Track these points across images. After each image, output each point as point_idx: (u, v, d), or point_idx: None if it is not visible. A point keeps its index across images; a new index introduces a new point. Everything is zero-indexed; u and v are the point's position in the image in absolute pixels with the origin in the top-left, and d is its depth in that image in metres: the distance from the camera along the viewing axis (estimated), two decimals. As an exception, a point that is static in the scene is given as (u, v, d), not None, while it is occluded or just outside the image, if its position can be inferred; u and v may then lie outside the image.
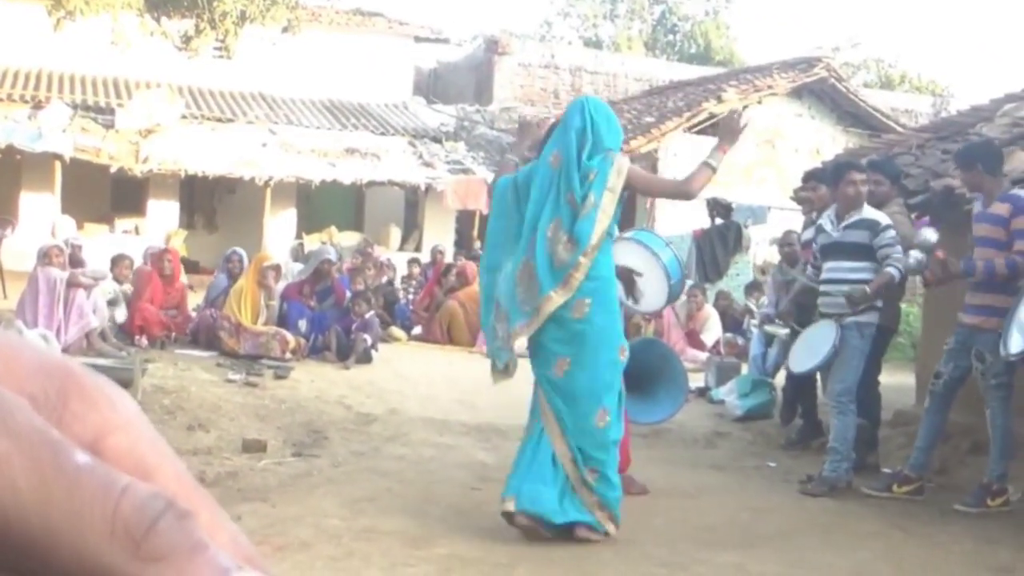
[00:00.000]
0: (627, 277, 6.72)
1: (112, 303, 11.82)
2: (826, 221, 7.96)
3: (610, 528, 5.85)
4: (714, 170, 6.10)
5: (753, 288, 15.51)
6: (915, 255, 7.36)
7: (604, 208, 5.81)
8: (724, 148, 6.25)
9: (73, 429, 0.44)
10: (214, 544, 0.42)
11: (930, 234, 7.48)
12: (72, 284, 10.81)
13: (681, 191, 6.32)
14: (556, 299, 5.74)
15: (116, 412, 0.45)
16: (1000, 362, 7.01)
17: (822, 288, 7.85)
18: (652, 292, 7.05)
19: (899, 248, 7.49)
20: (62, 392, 0.44)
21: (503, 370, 6.05)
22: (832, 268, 7.77)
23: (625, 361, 6.00)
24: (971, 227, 7.39)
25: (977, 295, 7.20)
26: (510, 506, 5.79)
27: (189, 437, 7.91)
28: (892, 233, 7.55)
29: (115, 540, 0.40)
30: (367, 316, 12.61)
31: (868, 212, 7.69)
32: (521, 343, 5.95)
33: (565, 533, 5.79)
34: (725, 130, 6.37)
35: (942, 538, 6.45)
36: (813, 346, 7.87)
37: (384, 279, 16.86)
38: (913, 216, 9.31)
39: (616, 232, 6.11)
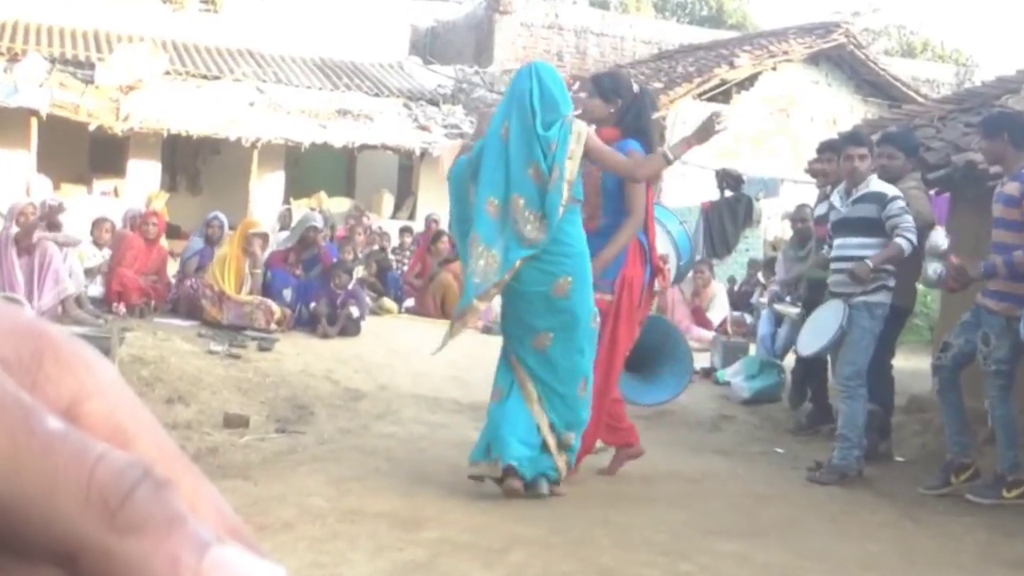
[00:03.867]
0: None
1: (91, 271, 11.82)
2: (836, 196, 7.97)
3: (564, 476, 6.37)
4: (669, 162, 6.36)
5: (762, 265, 15.51)
6: (933, 267, 7.36)
7: (568, 176, 5.98)
8: (691, 143, 6.46)
9: (47, 393, 0.44)
10: (195, 516, 0.42)
11: (940, 239, 7.45)
12: (23, 247, 10.71)
13: (629, 172, 6.42)
14: (520, 266, 5.99)
15: (93, 376, 0.45)
16: (1004, 348, 7.03)
17: (832, 266, 7.86)
18: None
19: (909, 219, 7.47)
20: (36, 354, 0.44)
21: (477, 301, 6.17)
22: (841, 245, 7.78)
23: (597, 326, 6.30)
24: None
25: (995, 280, 7.18)
26: (498, 467, 6.12)
27: (168, 410, 7.92)
28: (900, 203, 7.53)
29: (89, 509, 0.40)
30: (349, 287, 12.59)
31: (876, 185, 7.68)
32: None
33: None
34: (701, 127, 6.47)
35: (955, 529, 6.47)
36: (820, 327, 7.88)
37: (376, 246, 16.86)
38: (932, 192, 9.31)
39: (581, 196, 6.25)
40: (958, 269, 7.25)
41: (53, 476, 0.40)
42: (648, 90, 7.21)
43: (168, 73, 21.60)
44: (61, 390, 0.44)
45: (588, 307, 6.18)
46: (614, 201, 6.62)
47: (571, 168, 5.97)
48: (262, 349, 10.85)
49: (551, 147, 5.95)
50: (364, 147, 21.97)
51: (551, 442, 6.19)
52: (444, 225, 18.34)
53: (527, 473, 6.13)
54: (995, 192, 7.37)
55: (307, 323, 12.27)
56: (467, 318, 6.21)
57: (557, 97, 6.11)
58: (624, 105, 6.72)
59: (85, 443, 0.41)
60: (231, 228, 13.06)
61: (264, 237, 12.67)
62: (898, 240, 7.44)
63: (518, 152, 5.99)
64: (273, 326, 11.75)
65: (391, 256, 17.20)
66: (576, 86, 7.06)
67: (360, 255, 15.30)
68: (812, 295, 9.00)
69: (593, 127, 6.41)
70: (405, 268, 16.73)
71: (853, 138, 8.18)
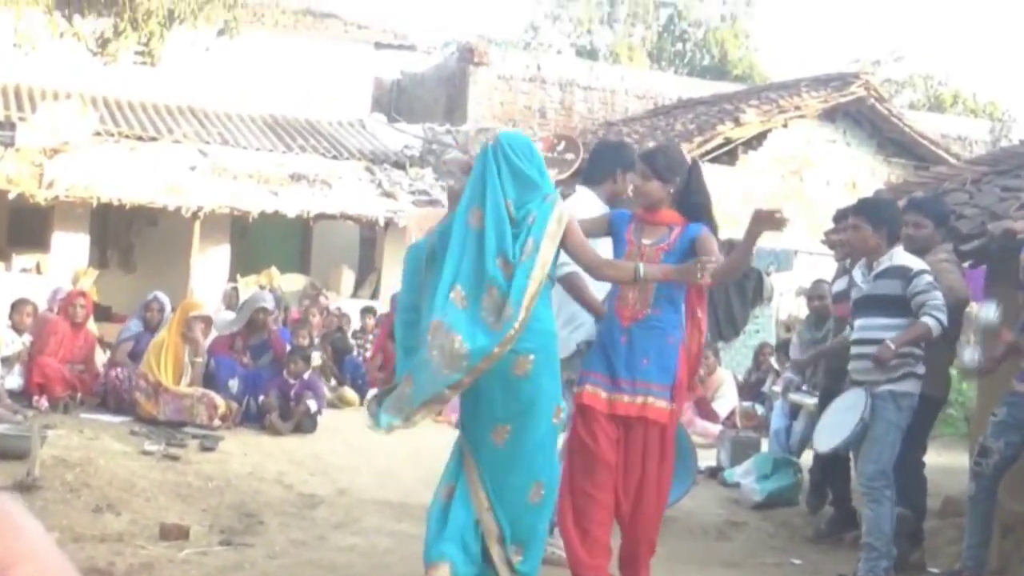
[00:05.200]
0: None
1: (9, 360, 11.78)
2: (858, 271, 8.01)
3: None
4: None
5: (775, 348, 15.54)
6: (969, 353, 7.34)
7: (543, 257, 5.96)
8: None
9: None
10: None
11: (990, 312, 7.42)
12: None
13: (593, 268, 6.41)
14: (497, 355, 5.87)
15: (20, 540, 0.45)
16: None
17: (852, 350, 7.87)
18: None
19: (938, 295, 7.49)
20: None
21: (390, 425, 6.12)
22: (863, 326, 7.80)
23: (561, 424, 6.28)
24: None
25: None
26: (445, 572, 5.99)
27: (96, 521, 7.86)
28: (927, 279, 7.56)
29: None
30: (305, 376, 12.57)
31: (900, 258, 7.72)
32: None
33: None
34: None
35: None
36: (839, 420, 7.87)
37: (335, 327, 16.87)
38: (966, 265, 9.36)
39: (554, 275, 6.25)
40: (1012, 348, 7.23)
41: None
42: (698, 161, 7.25)
43: (99, 134, 21.64)
44: None
45: (551, 396, 6.11)
46: (669, 291, 6.60)
47: (548, 248, 5.97)
48: (204, 448, 10.79)
49: (529, 220, 5.97)
50: (321, 216, 22.00)
51: (496, 555, 6.10)
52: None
53: None
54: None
55: (255, 418, 12.24)
56: (432, 407, 6.14)
57: (531, 173, 6.12)
58: (681, 183, 6.75)
59: None
60: (172, 310, 13.04)
61: (207, 320, 12.67)
62: (925, 319, 7.45)
63: (491, 242, 5.98)
64: (217, 422, 11.71)
65: (352, 340, 17.19)
66: (561, 146, 7.14)
67: (316, 339, 15.30)
68: (831, 383, 9.02)
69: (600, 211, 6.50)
70: (367, 353, 16.72)
71: (854, 207, 8.27)
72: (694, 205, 6.72)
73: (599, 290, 6.90)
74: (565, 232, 6.06)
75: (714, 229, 6.75)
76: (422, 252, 6.35)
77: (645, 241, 6.61)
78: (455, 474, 6.25)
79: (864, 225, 8.04)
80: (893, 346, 7.46)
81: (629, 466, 6.56)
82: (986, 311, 7.46)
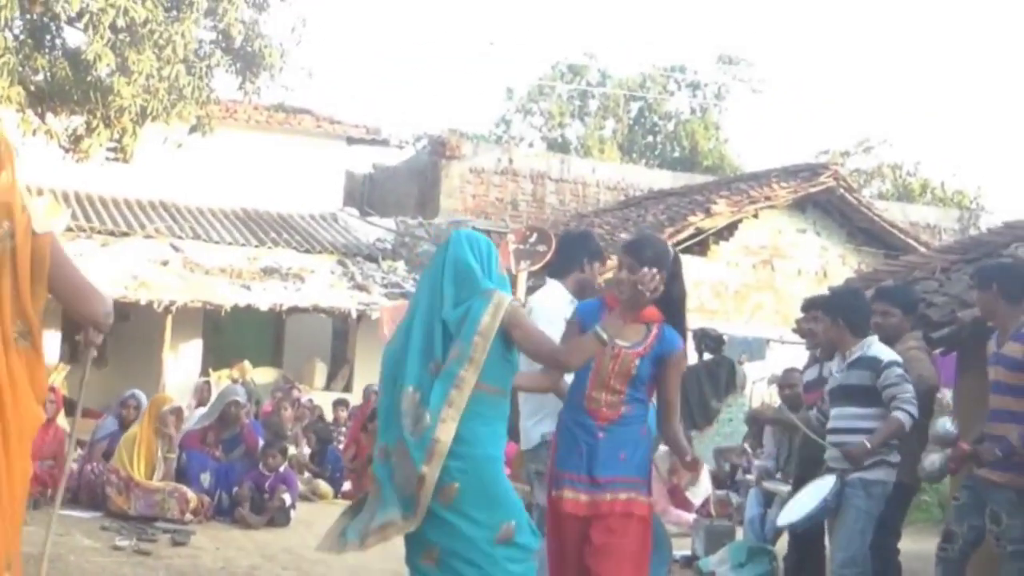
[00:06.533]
0: None
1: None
2: (836, 360, 8.05)
3: None
4: (604, 343, 5.83)
5: (747, 437, 15.53)
6: (932, 459, 7.38)
7: (473, 358, 5.51)
8: (625, 318, 5.98)
9: None
10: None
11: (948, 425, 7.47)
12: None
13: (556, 360, 5.98)
14: (429, 475, 5.44)
15: None
16: (1019, 526, 7.01)
17: (828, 439, 7.89)
18: None
19: (908, 388, 7.52)
20: None
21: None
22: (837, 415, 7.85)
23: (533, 546, 5.70)
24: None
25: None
26: None
27: (66, 617, 7.79)
28: (898, 371, 7.59)
29: None
30: (282, 470, 12.52)
31: (872, 348, 7.75)
32: None
33: None
34: (629, 303, 6.02)
35: None
36: (806, 499, 7.89)
37: (316, 415, 16.83)
38: (937, 352, 9.41)
39: (504, 386, 5.76)
40: (970, 456, 7.26)
41: None
42: (678, 255, 6.73)
43: (71, 229, 21.62)
44: None
45: (486, 525, 5.53)
46: (642, 389, 6.25)
47: (480, 345, 5.51)
48: (176, 543, 10.71)
49: (460, 321, 5.57)
50: (293, 310, 21.98)
51: None
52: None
53: None
54: (989, 352, 7.43)
55: (228, 512, 12.16)
56: (388, 533, 5.58)
57: (475, 269, 5.72)
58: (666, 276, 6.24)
59: None
60: (148, 405, 13.01)
61: (178, 413, 12.63)
62: (896, 414, 7.47)
63: (416, 344, 5.63)
64: (188, 516, 11.64)
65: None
66: (533, 238, 7.00)
67: (290, 431, 15.25)
68: (805, 471, 9.02)
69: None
70: (340, 445, 16.67)
71: (814, 301, 8.35)
72: (672, 300, 6.37)
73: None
74: (509, 325, 5.58)
75: (683, 327, 6.49)
76: (395, 354, 5.85)
77: (621, 343, 6.16)
78: None
79: (824, 318, 8.13)
80: (869, 446, 7.48)
81: (608, 568, 6.10)
82: (942, 424, 7.51)
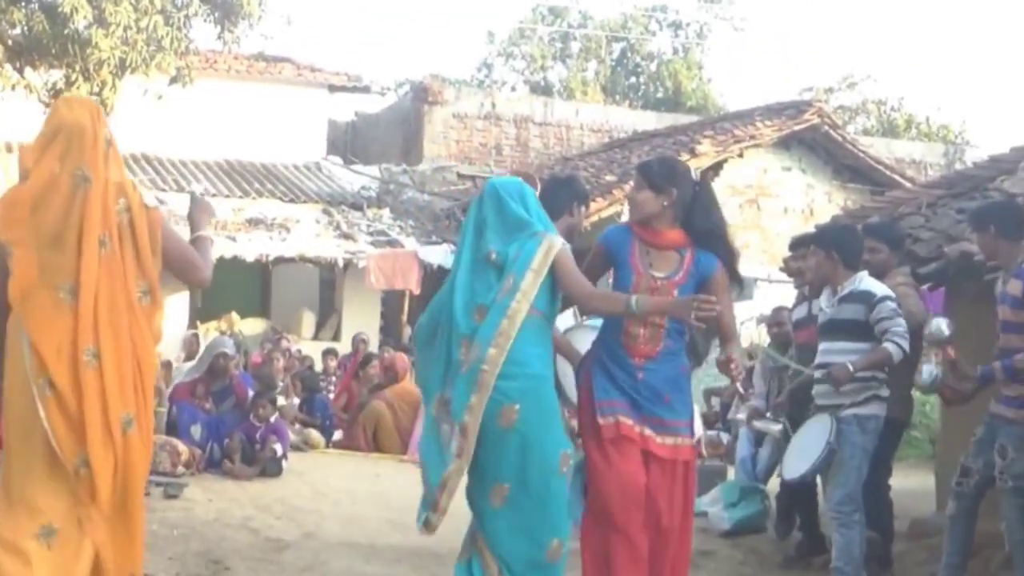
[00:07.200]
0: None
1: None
2: (825, 296, 8.04)
3: None
4: (631, 313, 5.94)
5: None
6: (928, 368, 7.34)
7: (525, 291, 5.74)
8: (662, 309, 6.07)
9: None
10: None
11: (942, 326, 7.40)
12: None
13: (584, 301, 6.16)
14: (477, 405, 5.62)
15: None
16: (1023, 462, 7.01)
17: (816, 374, 7.89)
18: None
19: (901, 322, 7.52)
20: None
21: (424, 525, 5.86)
22: (827, 349, 7.83)
23: (569, 472, 5.86)
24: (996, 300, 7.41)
25: (1012, 385, 7.15)
26: None
27: (60, 573, 7.78)
28: (891, 305, 7.60)
29: None
30: (272, 420, 12.52)
31: (864, 283, 7.75)
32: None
33: None
34: (680, 305, 5.97)
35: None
36: (806, 447, 7.86)
37: (306, 366, 16.82)
38: (925, 288, 9.40)
39: (551, 312, 5.98)
40: (953, 367, 7.25)
41: None
42: (709, 184, 6.68)
43: (53, 184, 21.52)
44: None
45: (550, 446, 5.73)
46: (679, 324, 6.19)
47: (531, 281, 5.72)
48: (168, 496, 10.71)
49: (514, 258, 5.78)
50: (280, 260, 21.96)
51: None
52: (374, 346, 18.31)
53: None
54: (997, 292, 7.39)
55: (219, 464, 12.17)
56: (450, 484, 5.70)
57: (519, 213, 5.96)
58: (681, 198, 6.29)
59: None
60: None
61: (167, 366, 12.61)
62: (887, 345, 7.47)
63: (461, 297, 5.82)
64: (180, 469, 11.63)
65: (318, 378, 17.16)
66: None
67: (280, 383, 15.24)
68: (796, 410, 9.03)
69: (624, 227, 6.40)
70: (331, 395, 16.66)
71: (807, 237, 8.33)
72: (701, 231, 6.33)
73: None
74: (556, 263, 5.80)
75: (730, 259, 6.44)
76: (426, 330, 6.09)
77: (656, 274, 6.23)
78: (467, 543, 5.96)
79: (817, 251, 8.11)
80: (851, 368, 7.49)
81: (657, 509, 6.12)
82: (937, 324, 7.42)
